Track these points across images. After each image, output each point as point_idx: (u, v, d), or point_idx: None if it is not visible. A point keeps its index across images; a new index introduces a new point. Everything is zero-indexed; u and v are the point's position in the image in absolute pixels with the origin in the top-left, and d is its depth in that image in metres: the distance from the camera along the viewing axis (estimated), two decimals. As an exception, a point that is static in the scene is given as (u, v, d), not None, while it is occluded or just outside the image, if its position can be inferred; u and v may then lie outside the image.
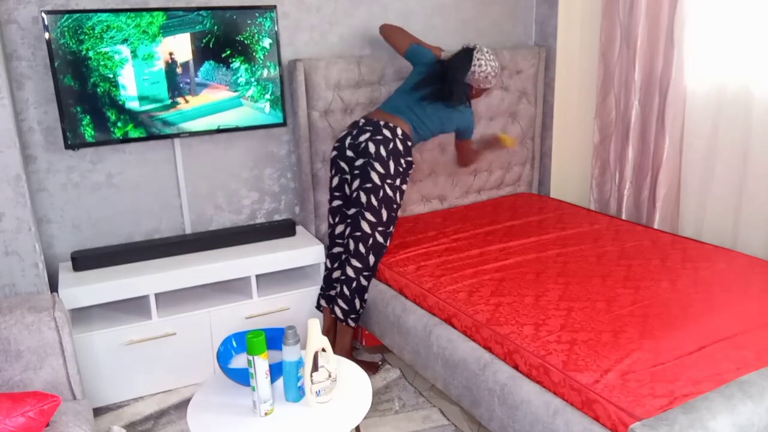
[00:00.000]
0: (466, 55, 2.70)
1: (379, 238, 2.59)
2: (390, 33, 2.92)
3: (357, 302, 2.63)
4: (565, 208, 3.32)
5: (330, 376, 1.76)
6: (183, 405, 2.56)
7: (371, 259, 2.60)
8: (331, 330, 2.78)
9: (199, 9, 2.67)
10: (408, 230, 3.01)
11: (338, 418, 1.72)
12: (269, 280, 2.97)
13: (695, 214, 3.03)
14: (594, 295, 2.23)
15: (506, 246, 2.76)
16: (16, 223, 2.35)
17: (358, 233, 2.57)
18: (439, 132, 2.80)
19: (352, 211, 2.62)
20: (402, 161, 2.58)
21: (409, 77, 2.82)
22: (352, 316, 2.64)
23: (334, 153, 2.68)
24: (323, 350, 1.75)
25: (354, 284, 2.61)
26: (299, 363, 1.74)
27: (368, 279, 2.63)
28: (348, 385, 1.86)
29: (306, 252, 2.86)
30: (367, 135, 2.59)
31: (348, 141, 2.63)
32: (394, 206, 2.59)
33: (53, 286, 2.60)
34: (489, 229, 2.99)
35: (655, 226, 3.12)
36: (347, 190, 2.68)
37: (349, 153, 2.62)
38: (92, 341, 2.50)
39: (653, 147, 3.13)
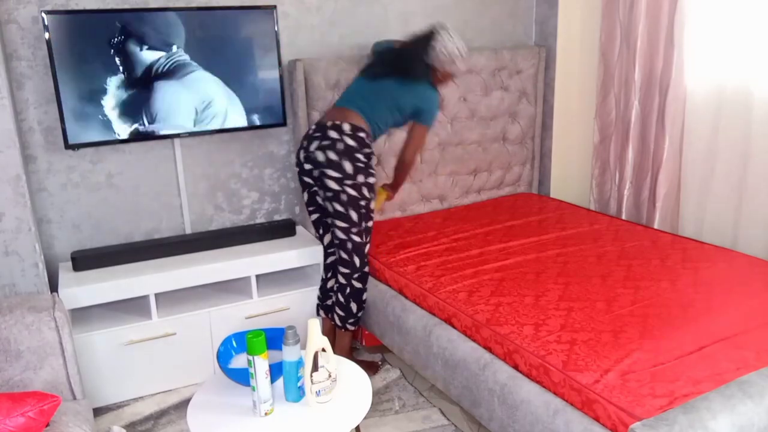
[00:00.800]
0: (427, 33, 2.54)
1: (356, 239, 2.53)
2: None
3: (353, 306, 2.61)
4: (565, 208, 3.32)
5: (330, 376, 1.76)
6: (183, 405, 2.56)
7: (356, 260, 2.55)
8: (330, 333, 2.78)
9: (199, 9, 2.67)
10: (408, 230, 3.01)
11: (338, 418, 1.72)
12: (269, 280, 2.97)
13: (695, 214, 3.03)
14: (594, 295, 2.23)
15: (506, 246, 2.76)
16: (16, 223, 2.35)
17: (337, 241, 2.55)
18: (397, 112, 2.55)
19: (328, 220, 2.61)
20: (357, 156, 2.43)
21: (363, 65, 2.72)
22: (350, 320, 2.63)
23: (297, 169, 2.61)
24: (323, 350, 1.75)
25: (347, 290, 2.59)
26: (299, 363, 1.74)
27: (361, 280, 2.60)
28: (348, 385, 1.86)
29: (306, 252, 2.86)
30: (316, 143, 2.48)
31: (302, 155, 2.54)
32: (362, 203, 2.48)
33: (53, 286, 2.60)
34: (489, 229, 3.00)
35: (655, 226, 3.12)
36: (319, 201, 2.63)
37: (307, 165, 2.54)
38: (92, 341, 2.50)
39: (653, 147, 3.13)
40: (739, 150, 2.78)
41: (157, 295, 2.70)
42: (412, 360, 2.43)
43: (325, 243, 2.75)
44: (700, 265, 2.46)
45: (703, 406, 1.51)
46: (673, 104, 2.98)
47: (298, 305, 2.87)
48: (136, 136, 2.67)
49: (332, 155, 2.42)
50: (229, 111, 2.82)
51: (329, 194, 2.46)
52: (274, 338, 1.92)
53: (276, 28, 2.83)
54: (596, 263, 2.53)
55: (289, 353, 1.72)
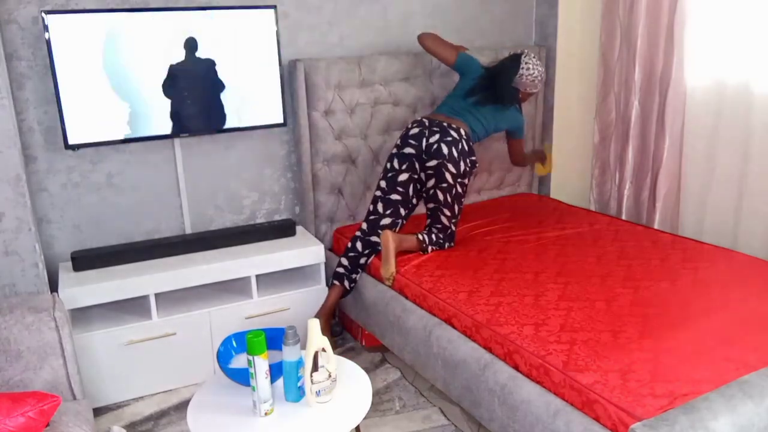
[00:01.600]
0: (514, 59, 2.87)
1: (454, 228, 2.80)
2: (433, 44, 3.01)
3: (446, 245, 2.78)
4: (565, 209, 3.32)
5: (330, 376, 1.76)
6: (183, 405, 2.56)
7: (446, 245, 2.79)
8: (334, 304, 2.80)
9: (199, 9, 2.67)
10: (408, 230, 3.01)
11: (338, 418, 1.72)
12: (269, 280, 2.97)
13: (695, 214, 3.03)
14: (594, 295, 2.23)
15: (506, 246, 2.76)
16: (16, 223, 2.35)
17: (439, 225, 2.76)
18: (493, 131, 2.95)
19: (430, 205, 2.79)
20: (468, 161, 2.73)
21: (459, 85, 2.96)
22: (431, 245, 2.74)
23: (410, 151, 2.74)
24: (323, 350, 1.75)
25: (448, 231, 2.79)
26: (299, 363, 1.74)
27: (444, 243, 2.79)
28: (348, 385, 1.86)
29: (306, 252, 2.86)
30: (437, 136, 2.69)
31: (424, 142, 2.71)
32: (462, 200, 2.79)
33: (53, 286, 2.60)
34: (489, 229, 3.00)
35: (655, 226, 3.12)
36: (410, 190, 2.78)
37: (423, 155, 2.72)
38: (92, 341, 2.50)
39: (653, 147, 3.13)
40: (739, 150, 2.78)
41: (157, 295, 2.70)
42: (412, 360, 2.43)
43: (382, 223, 2.76)
44: (700, 265, 2.46)
45: (703, 406, 1.51)
46: (673, 104, 2.98)
47: (298, 305, 2.87)
48: (136, 137, 2.67)
49: (455, 152, 2.68)
50: (230, 111, 2.82)
51: (444, 185, 2.70)
52: (274, 338, 1.92)
53: (276, 28, 2.83)
54: (596, 263, 2.53)
55: (289, 353, 1.72)
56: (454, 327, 2.24)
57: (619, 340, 1.91)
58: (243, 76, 2.81)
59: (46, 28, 2.41)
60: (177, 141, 2.85)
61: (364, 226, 2.80)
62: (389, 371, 2.77)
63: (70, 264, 2.66)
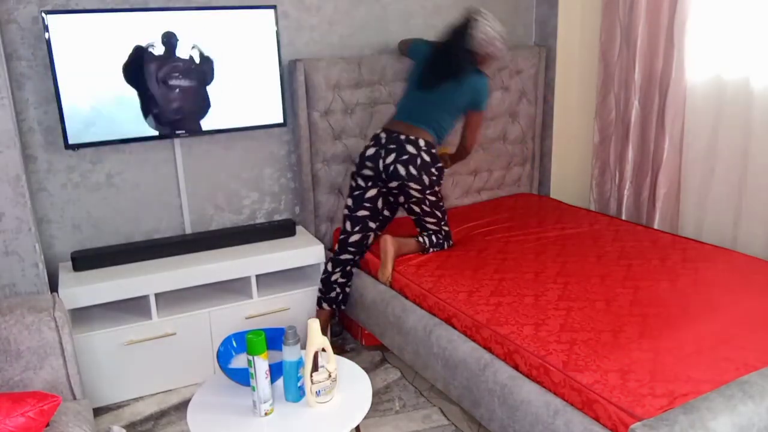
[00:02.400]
0: (464, 21, 2.62)
1: (446, 228, 2.77)
2: (402, 47, 3.02)
3: (446, 245, 2.77)
4: (565, 209, 3.32)
5: (330, 376, 1.76)
6: (183, 405, 2.56)
7: (446, 245, 2.77)
8: (326, 324, 2.80)
9: (199, 9, 2.67)
10: (408, 230, 3.01)
11: (338, 418, 1.72)
12: (269, 280, 2.97)
13: (695, 214, 3.03)
14: (594, 295, 2.23)
15: (506, 246, 2.76)
16: (16, 223, 2.35)
17: (430, 231, 2.74)
18: (457, 112, 2.72)
19: (412, 216, 2.77)
20: (433, 170, 2.62)
21: (410, 75, 2.81)
22: (432, 247, 2.73)
23: (370, 173, 2.67)
24: (323, 350, 1.75)
25: (441, 234, 2.76)
26: (299, 363, 1.74)
27: (447, 239, 2.78)
28: (348, 385, 1.86)
29: (306, 252, 2.86)
30: (393, 156, 2.59)
31: (381, 164, 2.62)
32: (440, 204, 2.73)
33: (53, 286, 2.60)
34: (489, 229, 3.00)
35: (655, 226, 3.12)
36: (380, 203, 2.73)
37: (383, 175, 2.64)
38: (92, 341, 2.50)
39: (653, 147, 3.13)
40: (739, 150, 2.78)
41: (157, 295, 2.70)
42: (412, 360, 2.43)
43: (350, 240, 2.75)
44: (700, 265, 2.46)
45: (703, 406, 1.51)
46: (673, 104, 2.98)
47: (298, 305, 2.87)
48: (136, 137, 2.67)
49: (413, 170, 2.57)
50: (230, 111, 2.82)
51: (413, 200, 2.65)
52: (274, 338, 1.92)
53: (276, 28, 2.83)
54: (596, 263, 2.53)
55: (289, 353, 1.72)
56: (454, 327, 2.24)
57: (619, 340, 1.91)
58: (243, 76, 2.81)
59: (46, 28, 2.41)
60: (177, 141, 2.85)
61: (336, 245, 2.82)
62: (389, 371, 2.77)
63: (70, 264, 2.66)
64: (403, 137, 2.61)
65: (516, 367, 1.95)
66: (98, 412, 2.53)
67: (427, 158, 2.60)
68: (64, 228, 2.75)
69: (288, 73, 2.98)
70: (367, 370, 2.47)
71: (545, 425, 1.78)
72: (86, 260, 2.62)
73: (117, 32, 2.53)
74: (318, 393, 1.74)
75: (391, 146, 2.61)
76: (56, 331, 1.82)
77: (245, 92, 2.84)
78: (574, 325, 2.02)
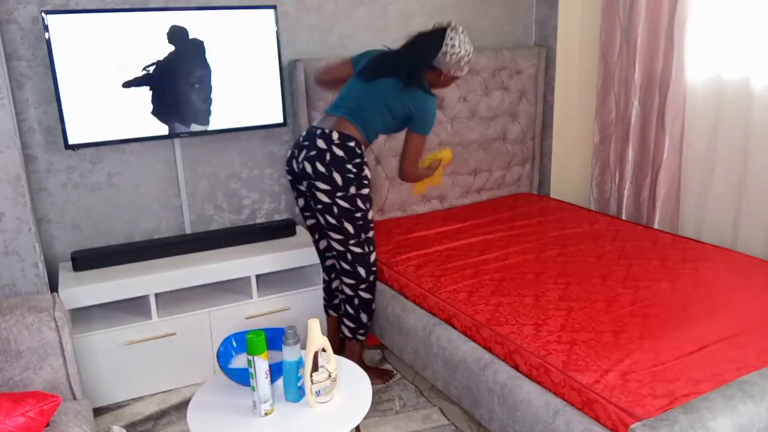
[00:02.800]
0: (438, 33, 2.34)
1: (356, 249, 2.41)
2: (328, 74, 2.66)
3: (363, 317, 2.55)
4: (565, 208, 3.32)
5: (330, 376, 1.76)
6: (183, 405, 2.56)
7: (360, 270, 2.46)
8: (336, 338, 2.75)
9: (199, 8, 2.67)
10: (408, 230, 3.01)
11: (338, 418, 1.72)
12: (269, 280, 2.97)
13: (695, 214, 3.03)
14: (594, 295, 2.23)
15: (506, 246, 2.76)
16: (16, 223, 2.35)
17: (335, 252, 2.46)
18: (388, 115, 2.38)
19: (321, 231, 2.54)
20: (348, 167, 2.30)
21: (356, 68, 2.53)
22: (360, 331, 2.57)
23: (289, 177, 2.48)
24: (323, 350, 1.75)
25: (355, 301, 2.52)
26: (299, 363, 1.74)
27: (369, 291, 2.51)
28: (348, 385, 1.86)
29: (306, 252, 2.86)
30: (303, 153, 2.35)
31: (294, 164, 2.41)
32: (357, 215, 2.36)
33: (53, 286, 2.60)
34: (489, 230, 2.99)
35: (655, 226, 3.12)
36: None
37: (298, 175, 2.43)
38: (92, 341, 2.50)
39: (653, 147, 3.13)
40: (739, 150, 2.78)
41: (157, 295, 2.70)
42: (412, 360, 2.43)
43: (321, 248, 2.68)
44: (700, 265, 2.46)
45: (703, 406, 1.51)
46: (673, 104, 2.98)
47: (298, 305, 2.87)
48: (136, 137, 2.67)
49: (320, 167, 2.29)
50: (230, 111, 2.82)
51: (319, 206, 2.35)
52: (274, 338, 1.92)
53: (276, 28, 2.83)
54: (596, 263, 2.53)
55: (289, 353, 1.72)
56: (454, 327, 2.24)
57: (619, 340, 1.91)
58: (243, 76, 2.81)
59: (46, 28, 2.41)
60: (177, 141, 2.85)
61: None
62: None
63: (70, 264, 2.66)
64: (318, 131, 2.35)
65: (516, 367, 1.95)
66: (98, 412, 2.53)
67: (339, 152, 2.29)
68: (64, 228, 2.75)
69: (288, 73, 2.98)
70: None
71: (545, 425, 1.78)
72: (86, 260, 2.62)
73: (117, 32, 2.53)
74: (318, 393, 1.74)
75: (305, 143, 2.37)
76: (56, 331, 1.82)
77: (245, 92, 2.83)
78: (575, 325, 2.02)
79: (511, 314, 2.12)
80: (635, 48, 3.11)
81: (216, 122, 2.81)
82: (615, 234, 2.87)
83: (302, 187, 2.44)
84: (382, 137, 3.00)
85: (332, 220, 2.35)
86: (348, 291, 2.52)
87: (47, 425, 1.61)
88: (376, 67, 2.41)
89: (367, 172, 2.36)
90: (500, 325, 2.06)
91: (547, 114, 3.62)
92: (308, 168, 2.32)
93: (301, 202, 2.53)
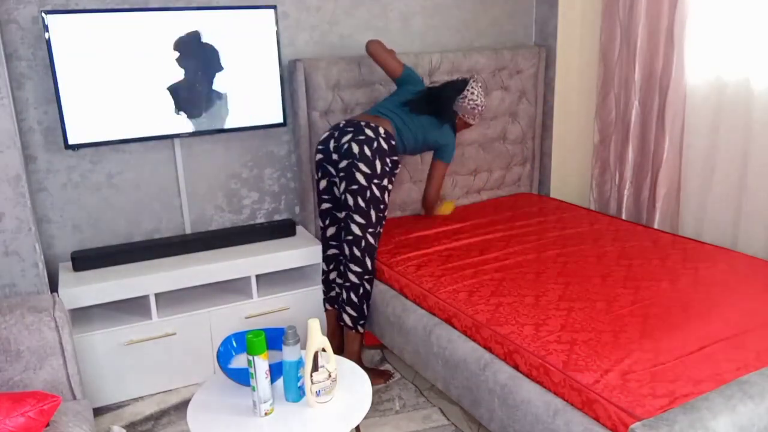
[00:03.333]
0: (461, 81, 2.79)
1: (371, 240, 2.55)
2: (380, 54, 2.83)
3: (365, 307, 2.60)
4: (565, 208, 3.32)
5: (330, 376, 1.76)
6: (183, 405, 2.56)
7: (368, 262, 2.56)
8: (336, 330, 2.77)
9: (199, 9, 2.67)
10: (408, 230, 3.01)
11: (338, 418, 1.72)
12: (269, 280, 2.97)
13: (695, 214, 3.03)
14: (594, 295, 2.23)
15: (506, 246, 2.76)
16: (16, 223, 2.35)
17: (350, 237, 2.53)
18: (422, 140, 2.75)
19: (342, 214, 2.60)
20: (387, 160, 2.54)
21: (396, 93, 2.81)
22: (361, 321, 2.60)
23: (320, 156, 2.62)
24: (323, 350, 1.75)
25: (361, 290, 2.57)
26: (299, 363, 1.74)
27: (370, 283, 2.61)
28: (348, 385, 1.86)
29: (306, 252, 2.86)
30: (349, 136, 2.53)
31: (332, 144, 2.56)
32: (382, 206, 2.55)
33: (53, 286, 2.60)
34: (489, 230, 2.99)
35: (655, 226, 3.12)
36: (336, 193, 2.64)
37: (334, 156, 2.55)
38: (92, 341, 2.50)
39: (653, 147, 3.13)
40: (739, 150, 2.78)
41: (157, 295, 2.70)
42: (412, 360, 2.43)
43: (328, 234, 2.73)
44: (700, 265, 2.46)
45: (703, 406, 1.51)
46: (673, 104, 2.98)
47: (298, 305, 2.87)
48: (136, 137, 2.67)
49: (367, 151, 2.49)
50: (230, 111, 2.82)
51: (354, 187, 2.49)
52: (274, 338, 1.92)
53: (276, 28, 2.83)
54: (596, 263, 2.53)
55: (289, 353, 1.72)
56: (454, 327, 2.24)
57: (619, 340, 1.91)
58: (243, 75, 2.81)
59: (46, 28, 2.41)
60: (177, 141, 2.85)
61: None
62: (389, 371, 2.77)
63: (70, 264, 2.66)
64: (363, 123, 2.58)
65: (516, 367, 1.95)
66: (98, 412, 2.53)
67: (384, 145, 2.54)
68: (64, 228, 2.75)
69: (288, 73, 2.98)
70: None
71: (545, 425, 1.78)
72: (86, 260, 2.62)
73: (117, 32, 2.53)
74: (318, 393, 1.74)
75: (349, 129, 2.56)
76: (56, 331, 1.82)
77: (245, 92, 2.83)
78: (575, 325, 2.02)
79: (511, 314, 2.12)
80: (635, 48, 3.11)
81: (216, 122, 2.81)
82: (615, 234, 2.87)
83: (332, 168, 2.57)
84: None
85: (362, 204, 2.50)
86: (354, 279, 2.57)
87: (47, 425, 1.61)
88: (423, 105, 2.73)
89: (398, 171, 2.67)
90: (500, 325, 2.06)
91: (547, 114, 3.62)
92: (355, 148, 2.49)
93: (323, 183, 2.65)
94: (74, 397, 1.88)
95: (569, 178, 3.70)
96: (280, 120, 2.95)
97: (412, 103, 2.73)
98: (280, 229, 2.99)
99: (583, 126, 3.60)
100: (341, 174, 2.54)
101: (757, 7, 2.63)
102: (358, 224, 2.51)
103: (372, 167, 2.49)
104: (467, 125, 2.86)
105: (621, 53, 3.24)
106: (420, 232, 2.97)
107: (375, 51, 2.81)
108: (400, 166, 2.65)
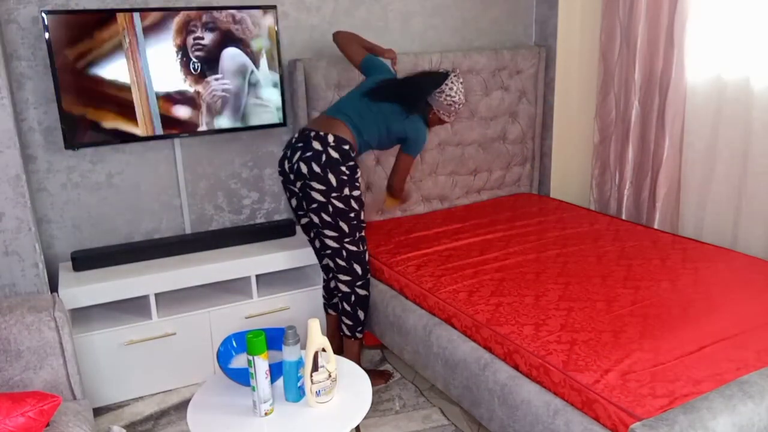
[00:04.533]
0: (442, 74, 2.55)
1: (352, 248, 2.46)
2: (344, 44, 2.71)
3: (360, 314, 2.57)
4: (565, 208, 3.32)
5: (330, 376, 1.76)
6: (183, 405, 2.56)
7: (356, 267, 2.49)
8: (337, 333, 2.76)
9: (199, 8, 2.67)
10: (408, 230, 3.01)
11: (338, 418, 1.72)
12: (269, 280, 2.97)
13: (695, 214, 3.03)
14: (594, 295, 2.23)
15: (506, 246, 2.76)
16: (16, 223, 2.35)
17: (329, 250, 2.48)
18: (386, 131, 2.53)
19: (316, 230, 2.56)
20: (342, 169, 2.36)
21: (360, 85, 2.64)
22: (358, 329, 2.59)
23: (281, 178, 2.52)
24: (323, 350, 1.75)
25: (352, 298, 2.54)
26: (299, 363, 1.74)
27: (365, 287, 2.55)
28: (348, 385, 1.86)
29: (306, 252, 2.86)
30: (298, 154, 2.39)
31: (286, 165, 2.45)
32: (351, 215, 2.41)
33: (53, 286, 2.60)
34: (489, 229, 2.99)
35: (655, 226, 3.12)
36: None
37: (291, 176, 2.45)
38: (92, 341, 2.50)
39: (653, 147, 3.13)
40: (739, 150, 2.78)
41: (157, 295, 2.70)
42: (412, 360, 2.43)
43: (317, 246, 2.68)
44: (700, 265, 2.46)
45: (703, 406, 1.51)
46: (673, 104, 2.98)
47: (298, 305, 2.87)
48: (136, 137, 2.67)
49: (316, 167, 2.34)
50: (230, 111, 2.82)
51: (314, 206, 2.39)
52: (274, 338, 1.92)
53: (276, 28, 2.83)
54: (596, 263, 2.53)
55: (289, 353, 1.72)
56: (454, 327, 2.24)
57: (619, 340, 1.91)
58: (243, 75, 2.81)
59: (46, 28, 2.41)
60: (177, 141, 2.85)
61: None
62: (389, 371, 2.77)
63: (70, 264, 2.66)
64: (312, 134, 2.41)
65: (516, 367, 1.95)
66: (98, 412, 2.53)
67: (335, 155, 2.36)
68: (64, 228, 2.75)
69: (288, 73, 2.98)
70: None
71: (545, 425, 1.78)
72: (86, 260, 2.62)
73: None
74: (318, 393, 1.74)
75: (299, 144, 2.42)
76: (56, 331, 1.82)
77: (246, 92, 2.83)
78: (575, 325, 2.02)
79: (511, 314, 2.12)
80: (635, 48, 3.11)
81: (216, 122, 2.81)
82: (615, 234, 2.87)
83: (295, 188, 2.47)
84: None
85: (328, 218, 2.40)
86: (345, 288, 2.53)
87: (47, 425, 1.61)
88: (384, 91, 2.53)
89: (359, 174, 2.43)
90: (500, 325, 2.06)
91: (547, 114, 3.62)
92: (304, 168, 2.37)
93: (294, 202, 2.55)
94: (74, 397, 1.88)
95: (569, 178, 3.70)
96: (280, 120, 2.95)
97: (372, 91, 2.54)
98: (280, 229, 2.99)
99: (583, 126, 3.60)
100: (300, 194, 2.47)
101: (756, 6, 2.63)
102: (332, 238, 2.44)
103: (325, 182, 2.35)
104: (441, 122, 2.62)
105: (621, 53, 3.25)
106: (420, 232, 2.97)
107: (340, 40, 2.73)
108: (359, 170, 2.44)
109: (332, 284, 2.75)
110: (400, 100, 2.52)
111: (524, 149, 3.61)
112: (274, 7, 2.80)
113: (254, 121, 2.89)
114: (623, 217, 3.33)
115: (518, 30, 3.59)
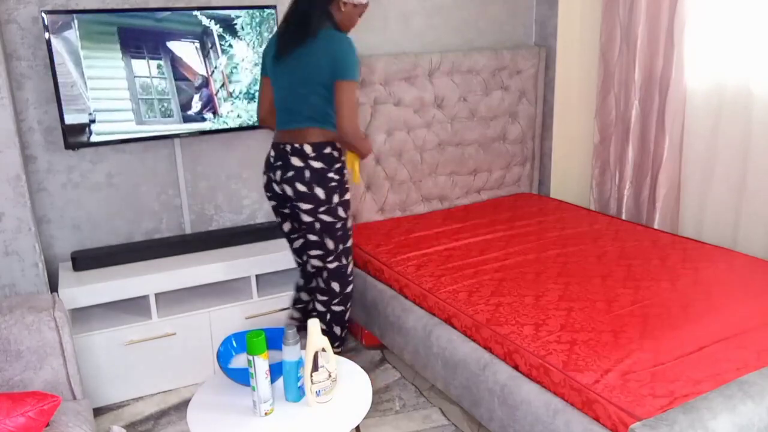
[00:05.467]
0: None
1: (332, 265, 2.41)
2: (265, 106, 2.46)
3: (336, 329, 2.51)
4: (565, 208, 3.32)
5: (330, 376, 1.76)
6: (183, 405, 2.56)
7: (334, 286, 2.44)
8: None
9: (199, 8, 2.67)
10: (408, 230, 3.02)
11: (338, 418, 1.72)
12: (269, 280, 2.97)
13: (695, 214, 3.03)
14: (594, 295, 2.23)
15: (506, 246, 2.76)
16: (16, 223, 2.35)
17: (312, 269, 2.46)
18: (322, 89, 2.17)
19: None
20: (329, 175, 2.24)
21: (276, 76, 2.34)
22: (335, 344, 2.52)
23: (273, 203, 2.43)
24: (323, 350, 1.75)
25: (327, 316, 2.47)
26: (299, 363, 1.74)
27: (342, 303, 2.49)
28: (348, 385, 1.86)
29: (306, 252, 2.86)
30: (279, 174, 2.29)
31: (276, 188, 2.35)
32: (338, 226, 2.34)
33: (53, 286, 2.60)
34: (489, 229, 2.99)
35: (655, 226, 3.12)
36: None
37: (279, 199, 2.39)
38: (92, 341, 2.50)
39: (653, 147, 3.13)
40: (739, 150, 2.78)
41: (157, 295, 2.70)
42: (412, 360, 2.43)
43: (294, 247, 2.58)
44: (700, 265, 2.46)
45: (703, 406, 1.51)
46: (673, 104, 2.98)
47: (298, 305, 2.87)
48: (136, 137, 2.67)
49: (301, 187, 2.23)
50: (229, 111, 2.82)
51: (303, 227, 2.36)
52: (274, 338, 1.92)
53: (276, 28, 2.83)
54: (596, 263, 2.53)
55: (289, 353, 1.72)
56: (454, 327, 2.24)
57: (619, 340, 1.91)
58: (243, 75, 2.81)
59: (46, 28, 2.41)
60: (177, 141, 2.84)
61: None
62: (389, 371, 2.77)
63: (70, 264, 2.66)
64: (289, 149, 2.24)
65: (516, 367, 1.95)
66: (98, 412, 2.53)
67: (317, 165, 2.21)
68: (64, 228, 2.75)
69: (288, 73, 2.97)
70: (367, 370, 2.47)
71: (545, 425, 1.78)
72: (86, 260, 2.62)
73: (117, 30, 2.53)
74: (318, 393, 1.74)
75: (278, 163, 2.30)
76: (56, 331, 1.82)
77: (245, 92, 2.83)
78: (575, 325, 2.02)
79: (511, 314, 2.12)
80: (635, 48, 3.11)
81: (216, 122, 2.81)
82: (615, 234, 2.87)
83: (286, 210, 2.43)
84: (380, 138, 3.03)
85: (314, 238, 2.35)
86: (320, 307, 2.48)
87: (47, 425, 1.61)
88: (282, 45, 2.23)
89: (345, 175, 2.33)
90: (500, 325, 2.06)
91: (547, 114, 3.62)
92: (289, 191, 2.28)
93: (287, 226, 2.49)
94: (74, 397, 1.88)
95: (569, 178, 3.70)
96: (280, 120, 2.94)
97: (277, 52, 2.24)
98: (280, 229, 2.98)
99: (583, 126, 3.60)
100: (290, 216, 2.43)
101: (756, 9, 2.63)
102: (316, 257, 2.40)
103: (312, 199, 2.25)
104: (356, 8, 2.23)
105: (621, 53, 3.24)
106: (420, 232, 2.97)
107: (264, 117, 2.48)
108: (345, 170, 2.31)
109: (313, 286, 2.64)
110: (298, 37, 2.17)
111: (524, 149, 3.61)
112: (274, 7, 2.80)
113: (254, 121, 2.88)
114: (623, 217, 3.33)
115: (518, 30, 3.59)
